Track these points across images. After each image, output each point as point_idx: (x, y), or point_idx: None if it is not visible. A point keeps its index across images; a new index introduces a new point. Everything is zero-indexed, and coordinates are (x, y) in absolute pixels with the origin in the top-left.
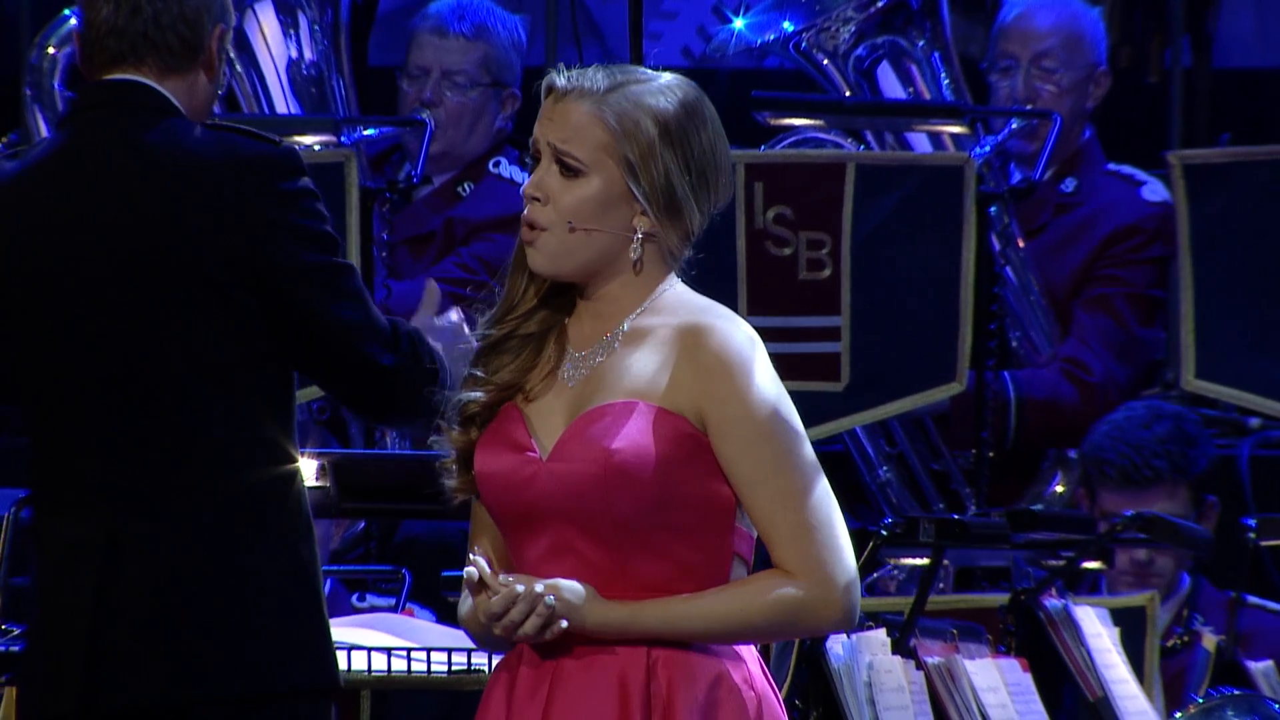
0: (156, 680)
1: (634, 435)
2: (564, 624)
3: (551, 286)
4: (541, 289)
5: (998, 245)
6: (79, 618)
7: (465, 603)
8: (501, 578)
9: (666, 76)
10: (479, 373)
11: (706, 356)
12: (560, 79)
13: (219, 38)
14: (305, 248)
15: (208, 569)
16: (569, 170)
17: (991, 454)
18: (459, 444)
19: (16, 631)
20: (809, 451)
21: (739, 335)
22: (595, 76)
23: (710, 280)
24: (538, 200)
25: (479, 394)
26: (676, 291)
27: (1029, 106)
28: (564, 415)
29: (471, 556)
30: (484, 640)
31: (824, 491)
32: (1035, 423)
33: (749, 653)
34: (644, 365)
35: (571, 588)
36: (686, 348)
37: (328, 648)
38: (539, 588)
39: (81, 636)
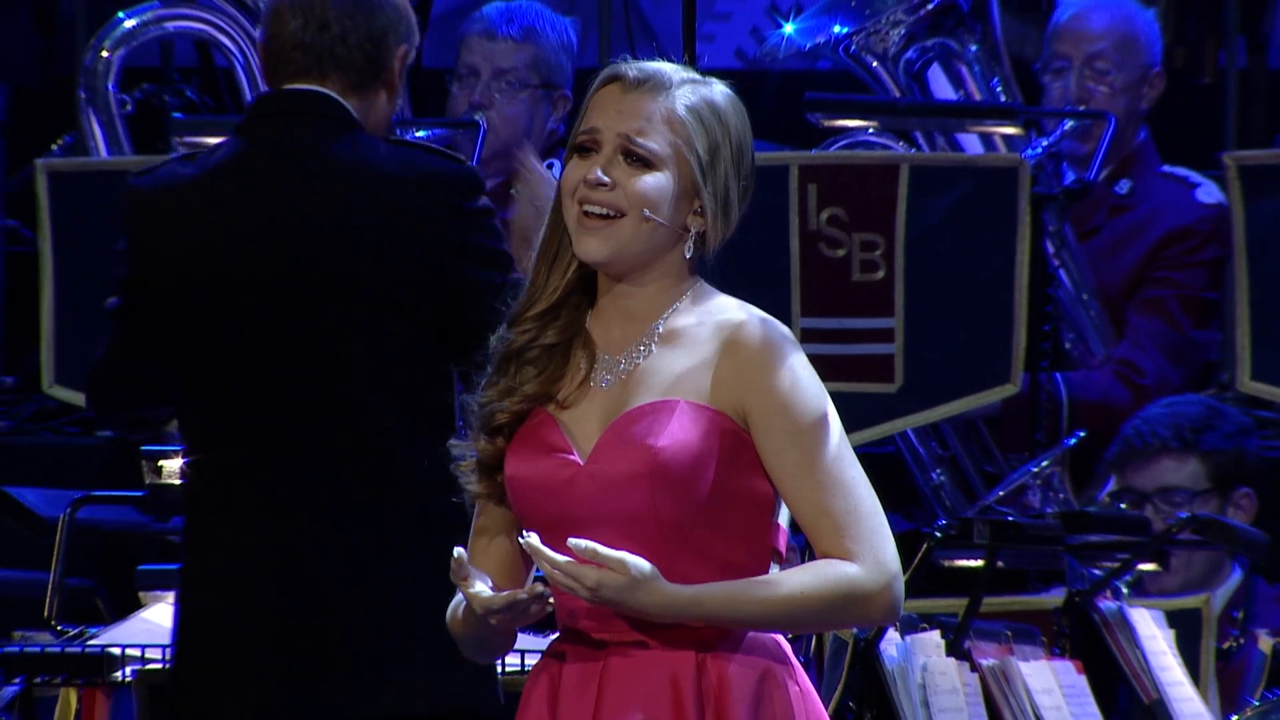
0: (332, 698)
1: (677, 434)
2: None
3: (573, 286)
4: (564, 285)
5: (1051, 247)
6: (254, 630)
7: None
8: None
9: (715, 80)
10: (502, 381)
11: (747, 351)
12: (630, 70)
13: (401, 58)
14: (483, 267)
15: (379, 584)
16: (638, 161)
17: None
18: (485, 453)
19: (72, 632)
20: (846, 439)
21: (777, 330)
22: (665, 70)
23: (763, 282)
24: (605, 186)
25: (506, 404)
26: (705, 290)
27: (1082, 108)
28: (600, 419)
29: (456, 552)
30: (466, 644)
31: (866, 481)
32: (1088, 425)
33: (791, 653)
34: (682, 364)
35: (638, 564)
36: (726, 343)
37: (491, 671)
38: (613, 555)
39: (258, 651)
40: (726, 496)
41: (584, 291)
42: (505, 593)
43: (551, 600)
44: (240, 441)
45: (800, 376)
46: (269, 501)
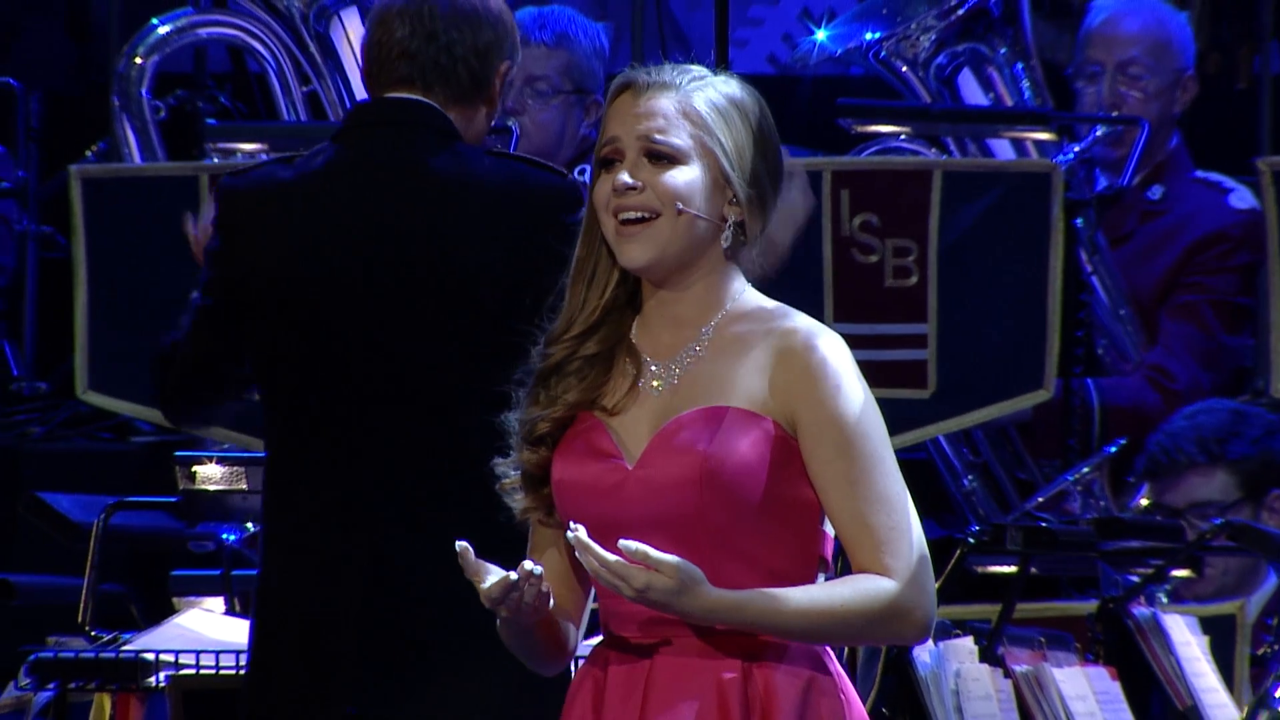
0: (417, 703)
1: (726, 440)
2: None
3: (612, 300)
4: (602, 302)
5: (1084, 253)
6: (342, 632)
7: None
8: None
9: (725, 74)
10: (542, 395)
11: (800, 359)
12: (640, 75)
13: (503, 74)
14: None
15: (468, 592)
16: (663, 159)
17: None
18: (529, 463)
19: (106, 637)
20: (893, 456)
21: (830, 339)
22: (675, 69)
23: (796, 287)
24: (635, 189)
25: (547, 413)
26: (753, 295)
27: (1115, 113)
28: (650, 424)
29: (459, 546)
30: (513, 649)
31: (909, 498)
32: (1119, 431)
33: (835, 662)
34: (733, 370)
35: (687, 569)
36: (779, 351)
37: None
38: (663, 559)
39: (345, 651)
40: (775, 504)
41: (626, 304)
42: (498, 577)
43: (550, 588)
44: (329, 448)
45: (852, 388)
46: (360, 504)
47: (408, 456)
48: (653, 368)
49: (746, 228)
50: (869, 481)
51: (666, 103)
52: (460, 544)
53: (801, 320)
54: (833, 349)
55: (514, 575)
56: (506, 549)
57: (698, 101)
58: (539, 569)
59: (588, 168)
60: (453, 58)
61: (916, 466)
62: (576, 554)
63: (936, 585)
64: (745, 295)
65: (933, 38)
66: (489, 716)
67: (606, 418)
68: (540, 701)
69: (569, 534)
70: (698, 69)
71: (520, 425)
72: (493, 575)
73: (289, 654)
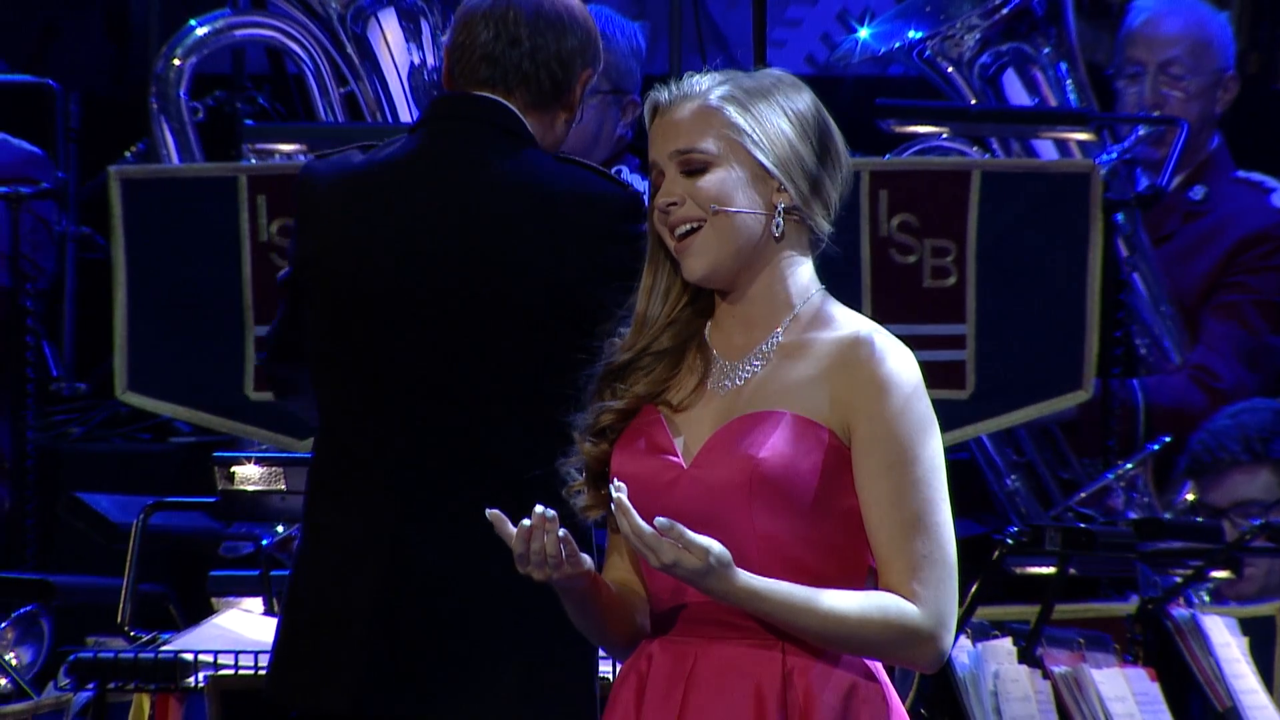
0: (430, 695)
1: (779, 445)
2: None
3: (675, 315)
4: (672, 312)
5: (1124, 252)
6: (359, 619)
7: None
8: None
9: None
10: (609, 391)
11: (864, 371)
12: (662, 93)
13: (585, 81)
14: (628, 290)
15: (486, 587)
16: (696, 169)
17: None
18: (592, 456)
19: (145, 638)
20: (944, 484)
21: (899, 354)
22: (698, 78)
23: (834, 288)
24: (675, 204)
25: (613, 404)
26: (828, 301)
27: (1156, 113)
28: (712, 424)
29: (490, 513)
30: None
31: (951, 529)
32: (1164, 430)
33: (877, 666)
34: (798, 376)
35: (718, 552)
36: (845, 361)
37: (589, 682)
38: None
39: (360, 638)
40: (825, 512)
41: (699, 309)
42: (516, 530)
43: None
44: (366, 432)
45: (912, 407)
46: (386, 494)
47: (436, 449)
48: (722, 367)
49: (803, 212)
50: (911, 506)
51: (688, 112)
52: (492, 511)
53: (873, 331)
54: (900, 365)
55: (526, 522)
56: None
57: (717, 100)
58: (551, 512)
59: (624, 168)
60: (535, 63)
61: (958, 466)
62: (613, 510)
63: (975, 588)
64: (816, 298)
65: (977, 37)
66: (496, 708)
67: (671, 414)
68: (552, 694)
69: (612, 492)
70: (726, 72)
71: (584, 419)
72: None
73: (306, 640)
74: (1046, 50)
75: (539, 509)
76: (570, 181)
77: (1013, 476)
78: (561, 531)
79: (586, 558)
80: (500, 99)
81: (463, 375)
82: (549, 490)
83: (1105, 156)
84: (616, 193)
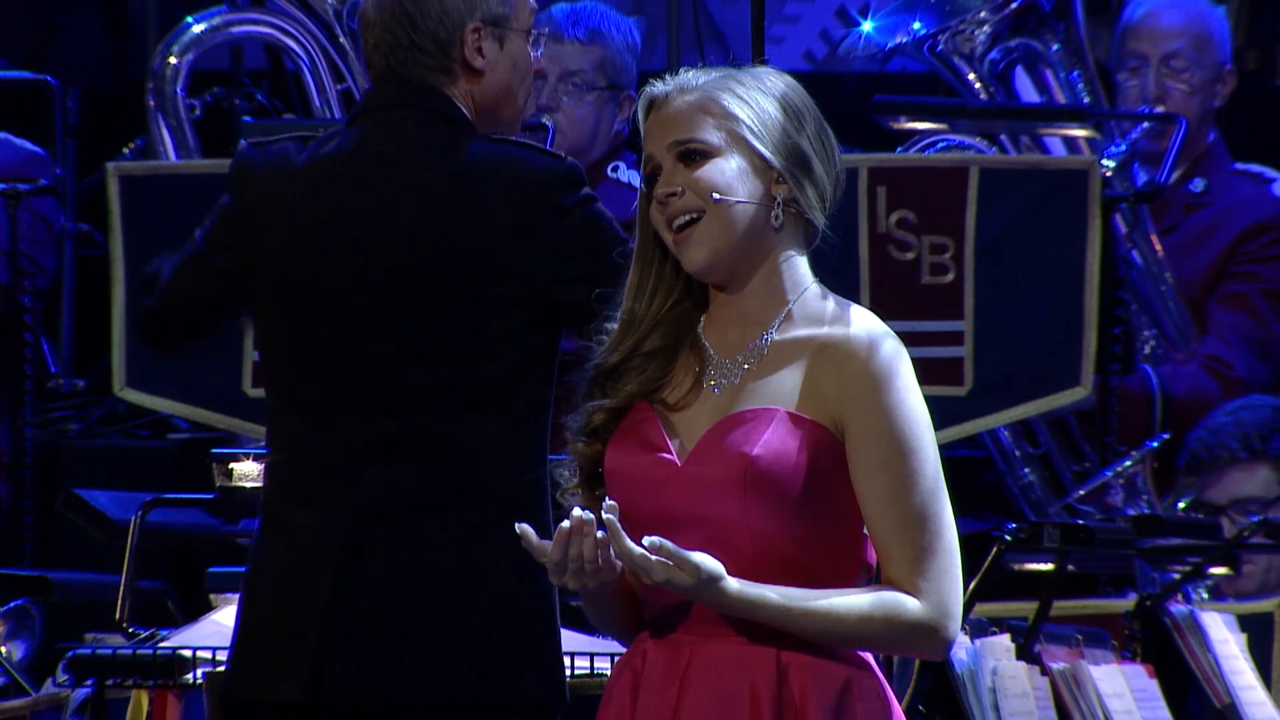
0: (383, 680)
1: (773, 442)
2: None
3: (662, 316)
4: (660, 311)
5: (1126, 246)
6: (314, 609)
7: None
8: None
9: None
10: (600, 391)
11: (854, 366)
12: (657, 88)
13: (470, 35)
14: (579, 259)
15: (447, 573)
16: (694, 158)
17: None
18: (584, 457)
19: (143, 634)
20: (940, 473)
21: (888, 346)
22: (692, 72)
23: (832, 285)
24: (675, 194)
25: (604, 403)
26: (823, 294)
27: (1159, 107)
28: (707, 422)
29: (520, 528)
30: (597, 622)
31: (950, 518)
32: (1180, 419)
33: (873, 661)
34: (792, 372)
35: (708, 567)
36: (834, 356)
37: (558, 661)
38: (685, 556)
39: (314, 628)
40: (820, 509)
41: (692, 304)
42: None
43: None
44: (319, 429)
45: (905, 400)
46: (344, 485)
47: (397, 439)
48: (717, 365)
49: (801, 204)
50: (910, 498)
51: (686, 104)
52: (521, 526)
53: (863, 323)
54: (890, 358)
55: (566, 524)
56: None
57: (715, 92)
58: (589, 514)
59: (621, 164)
60: (418, 32)
61: (963, 462)
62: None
63: (973, 584)
64: (809, 291)
65: (987, 32)
66: (462, 693)
67: (665, 411)
68: (512, 674)
69: (604, 514)
70: (719, 68)
71: (575, 420)
72: (552, 550)
73: (262, 634)
74: (1055, 47)
75: (576, 510)
76: (498, 159)
77: (1027, 469)
78: (600, 533)
79: (617, 561)
80: (422, 82)
81: (423, 365)
82: (512, 473)
83: (1114, 149)
84: (551, 165)
